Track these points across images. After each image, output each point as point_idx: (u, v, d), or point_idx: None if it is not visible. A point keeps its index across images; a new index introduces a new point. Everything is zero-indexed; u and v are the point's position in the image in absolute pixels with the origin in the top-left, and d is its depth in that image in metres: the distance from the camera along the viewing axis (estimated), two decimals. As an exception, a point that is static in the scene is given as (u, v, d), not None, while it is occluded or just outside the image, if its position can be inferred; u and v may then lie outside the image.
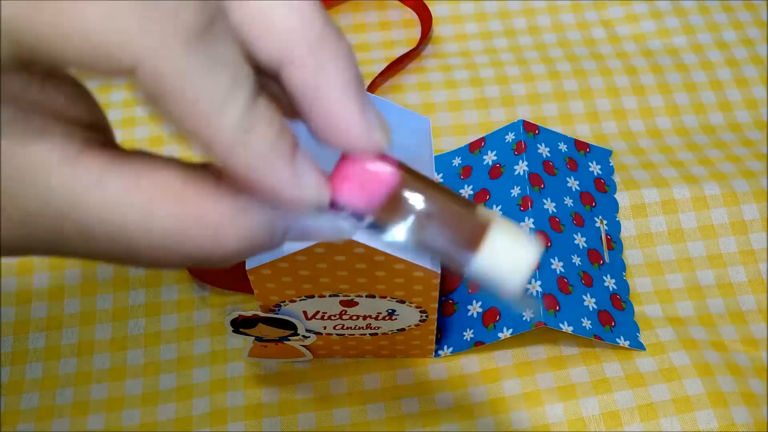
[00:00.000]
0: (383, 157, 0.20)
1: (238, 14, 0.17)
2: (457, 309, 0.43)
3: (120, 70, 0.16)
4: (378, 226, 0.20)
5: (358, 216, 0.20)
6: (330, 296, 0.37)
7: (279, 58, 0.18)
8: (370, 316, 0.38)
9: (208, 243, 0.18)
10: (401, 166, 0.20)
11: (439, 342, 0.43)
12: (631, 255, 0.47)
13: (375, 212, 0.20)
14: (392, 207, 0.20)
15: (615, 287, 0.44)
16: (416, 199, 0.20)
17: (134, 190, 0.18)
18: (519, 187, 0.44)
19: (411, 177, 0.20)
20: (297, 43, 0.17)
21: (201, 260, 0.19)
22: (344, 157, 0.20)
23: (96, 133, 0.19)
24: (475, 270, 0.21)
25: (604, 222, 0.46)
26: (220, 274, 0.45)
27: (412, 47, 0.56)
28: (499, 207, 0.44)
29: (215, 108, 0.16)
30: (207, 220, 0.18)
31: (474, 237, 0.20)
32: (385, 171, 0.20)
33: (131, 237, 0.18)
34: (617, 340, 0.42)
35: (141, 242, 0.18)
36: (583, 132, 0.52)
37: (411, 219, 0.20)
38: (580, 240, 0.44)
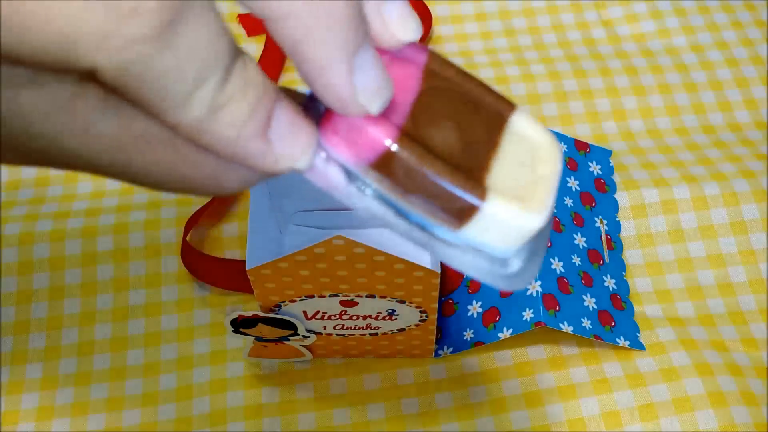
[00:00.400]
0: (381, 118, 0.19)
1: None
2: (457, 309, 0.43)
3: (79, 69, 0.15)
4: (364, 182, 0.19)
5: (348, 169, 0.19)
6: (330, 296, 0.37)
7: (261, 16, 0.17)
8: (370, 316, 0.38)
9: (210, 186, 0.19)
10: (408, 122, 0.19)
11: (439, 342, 0.43)
12: (631, 255, 0.47)
13: (364, 170, 0.19)
14: (380, 169, 0.19)
15: (615, 287, 0.44)
16: (404, 169, 0.19)
17: (125, 136, 0.17)
18: (519, 187, 0.44)
19: (406, 143, 0.19)
20: (282, 4, 0.16)
21: (206, 195, 0.19)
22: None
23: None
24: (457, 242, 0.20)
25: (604, 222, 0.46)
26: (220, 274, 0.45)
27: (412, 47, 0.56)
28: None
29: (180, 100, 0.16)
30: (204, 169, 0.18)
31: (464, 211, 0.19)
32: (376, 134, 0.19)
33: (131, 174, 0.18)
34: (617, 340, 0.42)
35: (142, 180, 0.18)
36: (583, 132, 0.52)
37: (393, 188, 0.19)
38: (580, 240, 0.44)
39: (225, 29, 0.16)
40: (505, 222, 0.19)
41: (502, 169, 0.20)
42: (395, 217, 0.20)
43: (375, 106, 0.18)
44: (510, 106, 0.20)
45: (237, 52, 0.17)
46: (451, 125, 0.20)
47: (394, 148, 0.19)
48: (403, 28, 0.19)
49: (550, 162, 0.20)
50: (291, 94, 0.20)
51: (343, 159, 0.19)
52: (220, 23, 0.16)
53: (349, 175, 0.19)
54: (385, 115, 0.19)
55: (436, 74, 0.20)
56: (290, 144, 0.18)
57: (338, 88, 0.18)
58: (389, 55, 0.20)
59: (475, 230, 0.20)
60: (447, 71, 0.20)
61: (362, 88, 0.18)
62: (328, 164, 0.19)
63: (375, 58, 0.18)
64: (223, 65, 0.16)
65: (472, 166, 0.20)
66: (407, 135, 0.19)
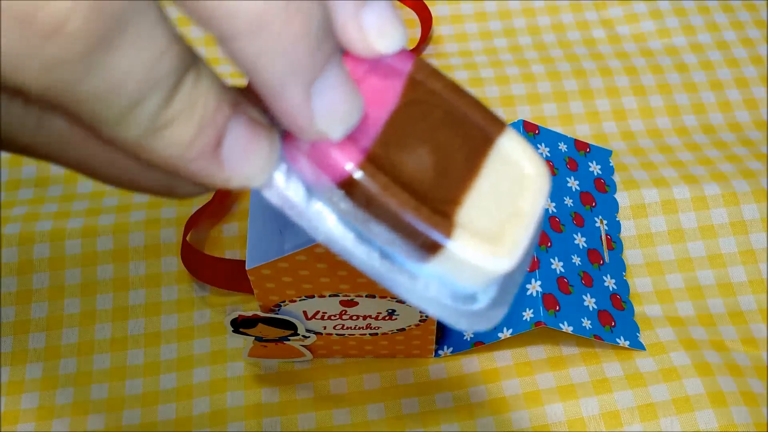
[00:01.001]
0: (346, 141, 0.17)
1: None
2: (457, 309, 0.43)
3: (7, 86, 0.14)
4: (325, 204, 0.18)
5: (309, 188, 0.18)
6: (330, 296, 0.37)
7: (215, 36, 0.15)
8: (370, 316, 0.38)
9: (163, 193, 0.18)
10: (374, 147, 0.18)
11: (439, 342, 0.43)
12: (631, 255, 0.47)
13: (326, 191, 0.18)
14: (342, 192, 0.18)
15: (615, 287, 0.44)
16: (366, 197, 0.17)
17: (75, 135, 0.17)
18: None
19: (370, 170, 0.17)
20: (230, 23, 0.15)
21: (162, 197, 0.19)
22: None
23: None
24: (421, 275, 0.19)
25: (604, 222, 0.46)
26: (220, 274, 0.45)
27: (412, 47, 0.56)
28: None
29: (115, 120, 0.15)
30: (153, 176, 0.18)
31: (428, 246, 0.18)
32: (337, 158, 0.17)
33: (86, 171, 0.18)
34: (617, 340, 0.42)
35: (99, 178, 0.18)
36: (583, 132, 0.52)
37: (354, 214, 0.18)
38: (580, 240, 0.44)
39: (173, 43, 0.15)
40: (471, 263, 0.18)
41: (478, 201, 0.18)
42: (356, 243, 0.18)
43: (336, 133, 0.17)
44: (500, 126, 0.19)
45: (188, 66, 0.15)
46: (426, 149, 0.18)
47: (357, 175, 0.17)
48: (382, 38, 0.17)
49: (534, 195, 0.19)
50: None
51: (304, 177, 0.18)
52: (168, 38, 0.15)
53: (310, 194, 0.18)
54: (352, 135, 0.17)
55: (421, 85, 0.18)
56: (243, 163, 0.17)
57: (294, 114, 0.16)
58: (368, 65, 0.18)
59: (439, 267, 0.18)
60: (434, 83, 0.18)
61: (322, 115, 0.16)
62: (289, 181, 0.18)
63: (340, 81, 0.16)
64: (167, 85, 0.15)
65: (444, 198, 0.18)
66: (373, 160, 0.17)
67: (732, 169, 0.49)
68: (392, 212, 0.17)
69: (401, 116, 0.18)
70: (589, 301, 0.42)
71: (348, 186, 0.17)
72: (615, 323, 0.42)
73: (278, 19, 0.15)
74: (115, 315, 0.45)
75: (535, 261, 0.41)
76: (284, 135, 0.18)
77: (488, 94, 0.54)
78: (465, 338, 0.42)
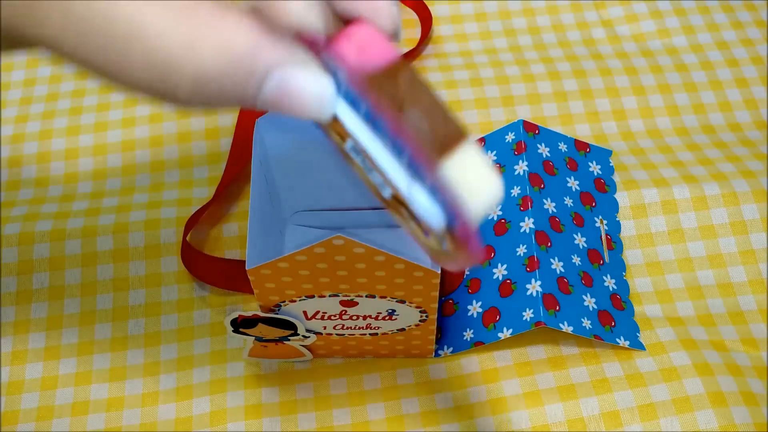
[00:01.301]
0: (391, 41, 0.20)
1: None
2: (457, 309, 0.43)
3: None
4: (359, 101, 0.20)
5: (343, 82, 0.20)
6: (330, 296, 0.37)
7: None
8: (370, 316, 0.38)
9: (182, 47, 0.18)
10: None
11: (439, 342, 0.43)
12: (631, 255, 0.47)
13: (362, 80, 0.20)
14: (382, 82, 0.20)
15: (615, 287, 0.44)
16: (406, 83, 0.20)
17: None
18: (519, 187, 0.44)
19: (410, 68, 0.20)
20: None
21: (172, 73, 0.19)
22: (354, 22, 0.20)
23: None
24: (442, 177, 0.21)
25: (604, 222, 0.46)
26: (220, 274, 0.45)
27: (412, 47, 0.56)
28: (499, 207, 0.44)
29: None
30: (186, 21, 0.18)
31: (448, 142, 0.20)
32: (388, 46, 0.20)
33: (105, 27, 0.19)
34: (617, 340, 0.42)
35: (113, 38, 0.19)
36: (583, 132, 0.52)
37: (394, 101, 0.20)
38: (580, 240, 0.44)
39: None
40: (481, 168, 0.20)
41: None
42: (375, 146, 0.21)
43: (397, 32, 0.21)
44: (465, 134, 0.22)
45: None
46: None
47: (402, 63, 0.20)
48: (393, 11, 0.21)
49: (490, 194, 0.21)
50: None
51: (345, 59, 0.20)
52: None
53: (343, 87, 0.20)
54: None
55: (411, 69, 0.21)
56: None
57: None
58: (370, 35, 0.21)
59: (455, 166, 0.20)
60: (421, 79, 0.21)
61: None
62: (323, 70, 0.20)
63: None
64: None
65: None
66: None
67: (732, 169, 0.49)
68: (431, 93, 0.20)
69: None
70: (589, 301, 0.42)
71: (394, 69, 0.20)
72: (615, 323, 0.42)
73: None
74: (115, 315, 0.45)
75: (535, 261, 0.41)
76: (329, 41, 0.20)
77: (488, 94, 0.54)
78: (465, 338, 0.42)
